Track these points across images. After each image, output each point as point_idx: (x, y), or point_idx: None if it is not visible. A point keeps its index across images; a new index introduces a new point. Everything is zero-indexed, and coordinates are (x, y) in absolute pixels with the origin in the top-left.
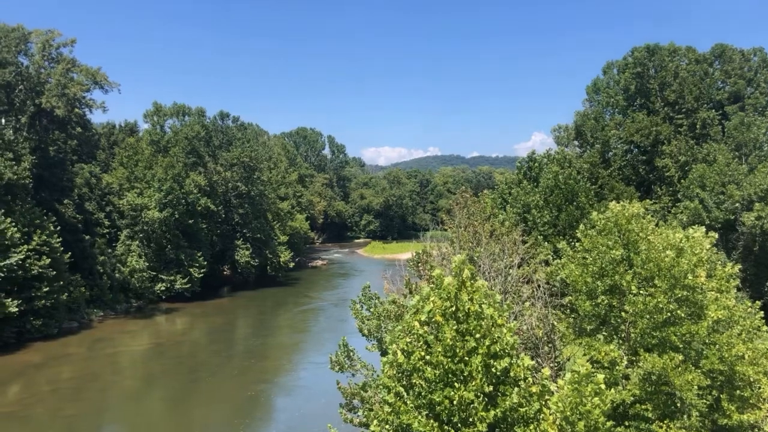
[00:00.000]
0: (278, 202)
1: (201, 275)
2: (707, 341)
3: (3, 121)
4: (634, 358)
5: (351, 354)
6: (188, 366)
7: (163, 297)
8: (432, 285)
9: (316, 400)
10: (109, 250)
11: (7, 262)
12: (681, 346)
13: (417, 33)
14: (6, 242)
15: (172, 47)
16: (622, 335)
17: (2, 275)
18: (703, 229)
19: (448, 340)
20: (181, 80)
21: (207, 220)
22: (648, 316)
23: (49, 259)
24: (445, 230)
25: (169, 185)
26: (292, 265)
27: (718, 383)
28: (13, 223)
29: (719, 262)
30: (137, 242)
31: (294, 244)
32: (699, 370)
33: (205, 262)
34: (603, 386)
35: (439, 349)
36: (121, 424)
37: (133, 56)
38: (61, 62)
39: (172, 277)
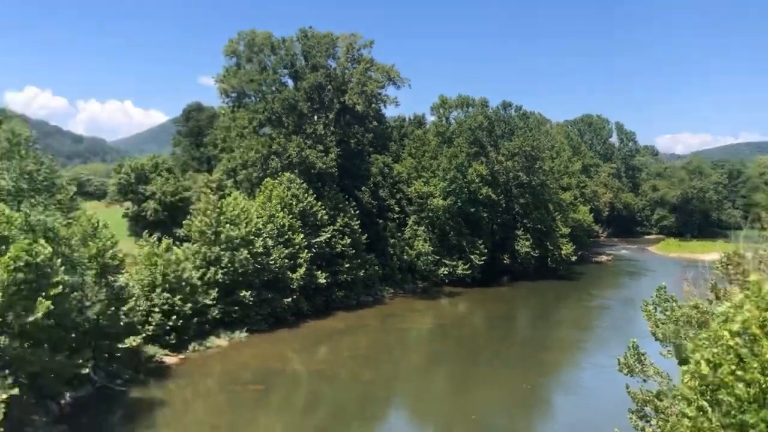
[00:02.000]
0: (560, 193)
1: (481, 262)
2: None
3: (315, 117)
4: None
5: (642, 358)
6: (468, 348)
7: (446, 281)
8: (747, 292)
9: (598, 404)
10: (399, 234)
11: (319, 239)
12: None
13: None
14: (318, 223)
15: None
16: None
17: (315, 251)
18: None
19: (767, 356)
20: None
21: (488, 209)
22: None
23: (350, 240)
24: (764, 229)
25: (452, 174)
26: (574, 258)
27: None
28: (323, 207)
29: None
30: (423, 228)
31: (576, 236)
32: None
33: (486, 250)
34: None
35: (755, 365)
36: (409, 395)
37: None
38: (361, 62)
39: (454, 263)
